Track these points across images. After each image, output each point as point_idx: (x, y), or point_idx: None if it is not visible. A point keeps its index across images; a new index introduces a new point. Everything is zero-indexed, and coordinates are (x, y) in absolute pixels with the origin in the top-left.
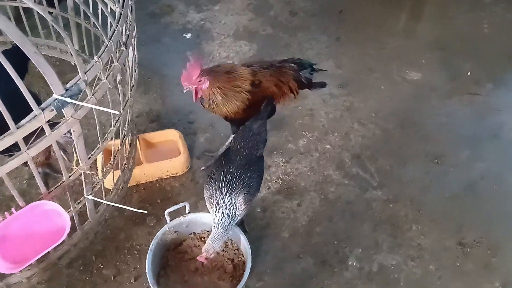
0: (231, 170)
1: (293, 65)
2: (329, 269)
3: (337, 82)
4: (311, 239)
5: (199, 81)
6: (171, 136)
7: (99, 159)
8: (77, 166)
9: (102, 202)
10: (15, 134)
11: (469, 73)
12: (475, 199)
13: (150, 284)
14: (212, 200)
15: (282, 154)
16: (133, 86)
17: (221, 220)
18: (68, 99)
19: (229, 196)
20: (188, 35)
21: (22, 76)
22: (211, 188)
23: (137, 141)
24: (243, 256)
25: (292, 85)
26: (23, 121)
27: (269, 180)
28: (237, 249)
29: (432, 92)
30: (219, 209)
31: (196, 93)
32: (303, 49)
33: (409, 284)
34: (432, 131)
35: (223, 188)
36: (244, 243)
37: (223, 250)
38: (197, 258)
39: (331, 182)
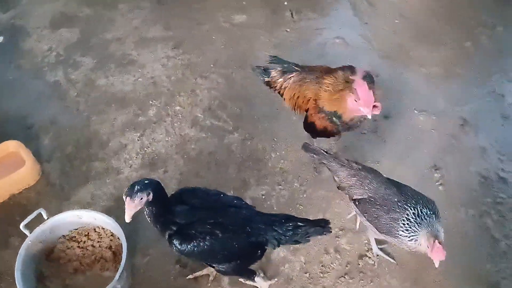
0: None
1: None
2: None
3: (170, 44)
4: None
5: None
6: (11, 148)
7: None
8: None
9: None
10: None
11: (285, 3)
12: None
13: None
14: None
15: (135, 129)
16: None
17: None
18: None
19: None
20: (0, 39)
21: None
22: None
23: None
24: (119, 239)
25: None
26: None
27: (129, 158)
28: (111, 234)
29: (259, 29)
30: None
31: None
32: (128, 19)
33: (281, 205)
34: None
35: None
36: (113, 226)
37: (98, 241)
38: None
39: (190, 140)
